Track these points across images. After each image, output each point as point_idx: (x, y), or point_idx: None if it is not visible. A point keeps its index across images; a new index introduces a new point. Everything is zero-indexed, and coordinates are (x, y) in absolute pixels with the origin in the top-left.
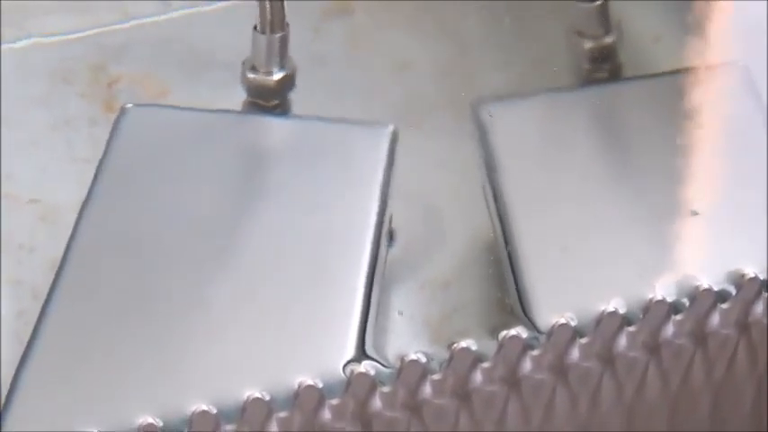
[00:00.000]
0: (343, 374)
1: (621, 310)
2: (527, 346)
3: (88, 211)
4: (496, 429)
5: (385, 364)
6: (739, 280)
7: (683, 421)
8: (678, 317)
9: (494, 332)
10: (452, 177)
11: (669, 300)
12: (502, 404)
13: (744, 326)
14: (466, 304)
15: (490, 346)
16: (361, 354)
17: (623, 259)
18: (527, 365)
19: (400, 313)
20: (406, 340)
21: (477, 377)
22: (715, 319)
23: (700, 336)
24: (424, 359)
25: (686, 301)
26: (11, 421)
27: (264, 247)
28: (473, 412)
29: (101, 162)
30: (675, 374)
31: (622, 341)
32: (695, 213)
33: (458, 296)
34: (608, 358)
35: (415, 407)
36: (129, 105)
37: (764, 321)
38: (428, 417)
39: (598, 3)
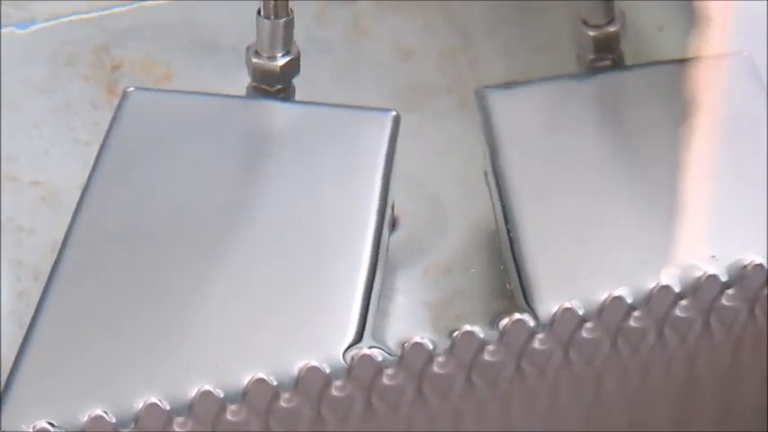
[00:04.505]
0: (343, 360)
1: (626, 297)
2: (532, 330)
3: (89, 193)
4: (501, 413)
5: (386, 349)
6: (741, 270)
7: (689, 408)
8: (684, 302)
9: (495, 319)
10: (455, 164)
11: (674, 286)
12: (506, 387)
13: (749, 312)
14: (467, 291)
15: (493, 332)
16: (362, 339)
17: (626, 248)
18: (531, 350)
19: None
20: (406, 326)
21: (482, 361)
22: (720, 306)
23: (705, 322)
24: (428, 343)
25: (691, 289)
26: (11, 403)
27: (266, 232)
28: (477, 396)
29: (102, 145)
30: (680, 361)
31: (627, 327)
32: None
33: (459, 282)
34: (612, 343)
35: (418, 389)
36: (132, 89)
37: None
38: (432, 398)
39: None
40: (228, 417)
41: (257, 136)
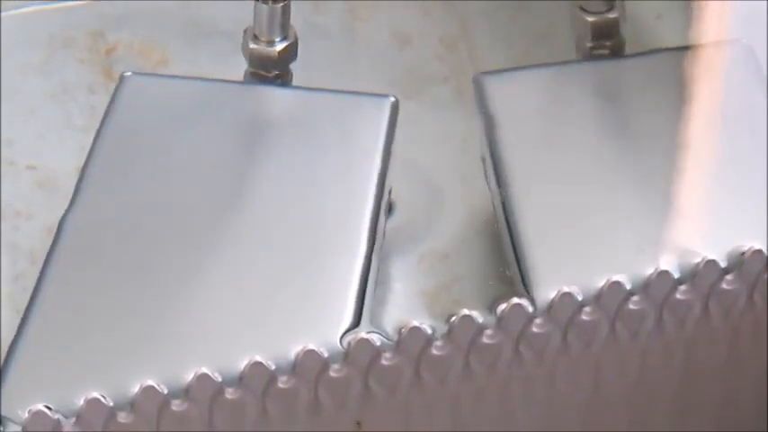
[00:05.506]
0: (339, 345)
1: (625, 282)
2: (530, 315)
3: (86, 178)
4: (498, 396)
5: (384, 334)
6: (740, 256)
7: (688, 395)
8: (683, 287)
9: (493, 304)
10: (453, 150)
11: (673, 271)
12: (504, 371)
13: (748, 298)
14: (464, 277)
15: (491, 317)
16: (359, 324)
17: (625, 233)
18: (529, 333)
19: None
20: (404, 312)
21: (480, 345)
22: (719, 291)
23: (704, 308)
24: (426, 328)
25: (690, 275)
26: (9, 387)
27: (264, 217)
28: (475, 379)
29: (99, 130)
30: (679, 346)
31: (625, 311)
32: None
33: (456, 268)
34: (611, 328)
35: (416, 372)
36: (129, 73)
37: None
38: (430, 382)
39: None
40: (226, 399)
41: (255, 121)
